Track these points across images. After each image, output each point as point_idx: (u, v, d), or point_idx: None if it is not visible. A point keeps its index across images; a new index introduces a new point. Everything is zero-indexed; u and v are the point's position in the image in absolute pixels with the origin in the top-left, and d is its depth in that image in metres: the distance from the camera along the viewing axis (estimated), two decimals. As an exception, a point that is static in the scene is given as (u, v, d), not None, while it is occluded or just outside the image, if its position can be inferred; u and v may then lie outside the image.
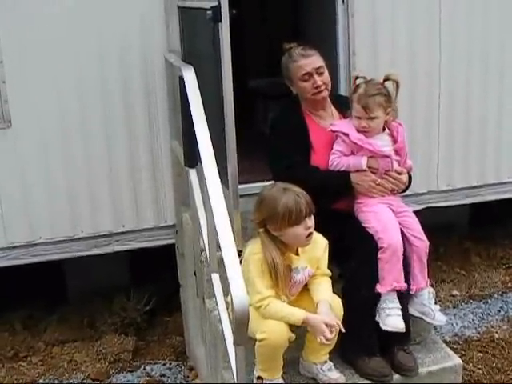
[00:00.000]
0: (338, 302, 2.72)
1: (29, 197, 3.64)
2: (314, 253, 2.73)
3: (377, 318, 2.83)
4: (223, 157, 2.90)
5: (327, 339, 2.54)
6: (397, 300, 2.83)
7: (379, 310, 2.83)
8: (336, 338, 2.65)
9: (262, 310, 2.57)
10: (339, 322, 2.60)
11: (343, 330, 2.60)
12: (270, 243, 2.63)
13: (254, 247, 2.66)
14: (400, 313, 2.82)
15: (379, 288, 2.82)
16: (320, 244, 2.75)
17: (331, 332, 2.54)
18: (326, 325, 2.53)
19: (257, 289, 2.58)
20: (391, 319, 2.80)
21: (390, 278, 2.81)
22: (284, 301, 2.66)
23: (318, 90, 3.05)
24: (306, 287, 2.77)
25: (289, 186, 2.64)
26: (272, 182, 2.88)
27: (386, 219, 2.90)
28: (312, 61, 3.04)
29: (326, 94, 3.09)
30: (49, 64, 3.51)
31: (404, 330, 2.81)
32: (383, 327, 2.80)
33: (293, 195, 2.59)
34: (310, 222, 2.62)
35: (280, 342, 2.56)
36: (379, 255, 2.82)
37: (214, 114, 2.92)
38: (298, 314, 2.58)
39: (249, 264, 2.61)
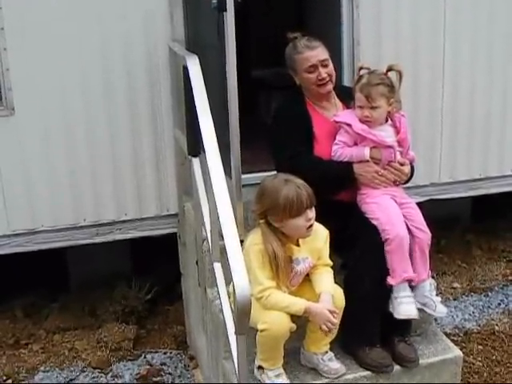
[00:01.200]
0: (339, 293, 2.72)
1: (31, 184, 3.63)
2: (315, 244, 2.73)
3: (390, 309, 2.82)
4: (226, 146, 2.90)
5: (332, 324, 2.56)
6: (408, 289, 2.83)
7: (392, 300, 2.83)
8: (337, 328, 2.66)
9: (264, 301, 2.57)
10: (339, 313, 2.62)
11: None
12: (270, 234, 2.63)
13: (255, 238, 2.66)
14: (413, 300, 2.83)
15: (390, 280, 2.81)
16: (321, 235, 2.75)
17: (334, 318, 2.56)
18: (329, 311, 2.55)
19: (258, 280, 2.58)
20: (404, 307, 2.80)
21: (399, 269, 2.81)
22: (285, 291, 2.66)
23: (323, 82, 3.04)
24: (307, 278, 2.78)
25: (290, 177, 2.63)
26: (274, 173, 2.88)
27: (391, 210, 2.89)
28: (317, 53, 3.03)
29: (330, 87, 3.09)
30: (52, 51, 3.50)
31: (418, 317, 2.82)
32: (396, 316, 2.80)
33: (294, 187, 2.58)
34: (311, 213, 2.62)
35: (281, 333, 2.57)
36: (386, 247, 2.81)
37: (217, 104, 2.91)
38: (299, 304, 2.59)
39: (249, 255, 2.61)
